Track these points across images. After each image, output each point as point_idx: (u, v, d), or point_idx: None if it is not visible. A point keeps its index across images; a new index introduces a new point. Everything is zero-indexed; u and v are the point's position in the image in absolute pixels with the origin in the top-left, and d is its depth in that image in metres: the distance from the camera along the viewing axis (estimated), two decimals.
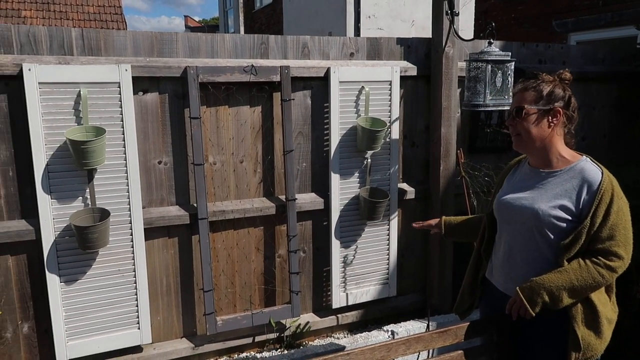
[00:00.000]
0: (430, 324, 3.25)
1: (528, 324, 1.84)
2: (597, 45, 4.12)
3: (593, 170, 1.78)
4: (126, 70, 2.51)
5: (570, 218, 1.75)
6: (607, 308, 1.81)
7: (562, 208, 1.76)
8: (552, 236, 1.78)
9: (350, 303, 3.27)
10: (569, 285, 1.73)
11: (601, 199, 1.71)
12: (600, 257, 1.73)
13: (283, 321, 3.12)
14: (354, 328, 3.42)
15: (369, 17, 11.57)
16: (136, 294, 2.72)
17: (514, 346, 1.99)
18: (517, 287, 1.81)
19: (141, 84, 2.63)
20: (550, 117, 1.81)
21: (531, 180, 1.89)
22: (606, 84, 3.90)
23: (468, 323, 2.13)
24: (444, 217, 2.33)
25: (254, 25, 16.63)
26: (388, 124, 3.13)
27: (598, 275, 1.72)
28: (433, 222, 2.34)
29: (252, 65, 2.78)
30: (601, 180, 1.73)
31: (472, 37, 3.10)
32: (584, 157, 1.85)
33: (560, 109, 1.81)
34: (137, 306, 2.73)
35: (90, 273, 2.62)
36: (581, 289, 1.73)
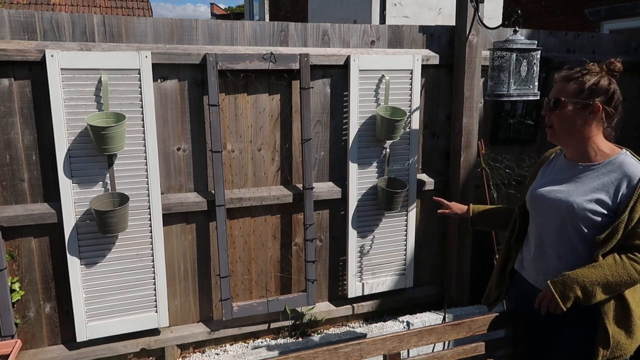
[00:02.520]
0: (446, 316, 3.22)
1: (557, 316, 1.80)
2: (630, 34, 3.95)
3: (633, 164, 1.71)
4: (146, 57, 2.53)
5: (606, 212, 1.70)
6: None
7: (599, 202, 1.70)
8: (586, 230, 1.73)
9: (366, 293, 3.27)
10: (604, 280, 1.68)
11: None
12: (637, 253, 1.68)
13: (298, 309, 3.13)
14: (369, 318, 3.41)
15: (395, 4, 11.37)
16: (154, 278, 2.76)
17: (540, 338, 1.94)
18: (549, 281, 1.76)
19: (161, 70, 2.65)
20: (588, 112, 1.74)
21: (567, 172, 1.83)
22: (639, 74, 3.76)
23: (483, 316, 2.11)
24: (471, 205, 2.31)
25: (279, 13, 16.58)
26: (408, 113, 3.08)
27: (634, 272, 1.67)
28: (457, 209, 2.33)
29: (272, 53, 2.76)
30: None
31: (499, 25, 3.01)
32: (624, 150, 1.78)
33: (600, 105, 1.73)
34: (154, 290, 2.77)
35: (109, 257, 2.67)
36: (615, 285, 1.69)
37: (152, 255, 2.74)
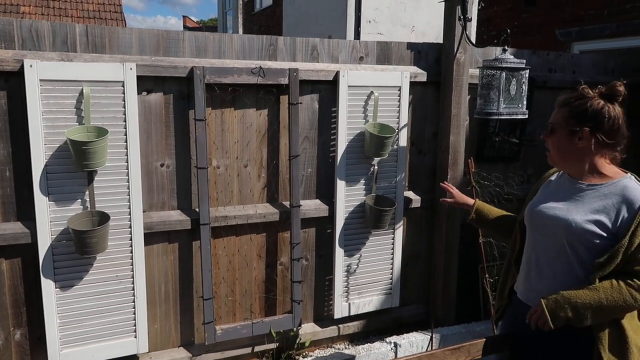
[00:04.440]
0: (434, 335, 3.17)
1: (552, 337, 1.77)
2: (608, 55, 4.07)
3: (636, 188, 1.68)
4: (131, 69, 2.42)
5: (605, 235, 1.67)
6: (638, 336, 1.72)
7: (598, 224, 1.67)
8: (584, 251, 1.70)
9: (352, 313, 3.19)
10: (597, 304, 1.65)
11: None
12: (635, 280, 1.64)
13: (283, 331, 3.03)
14: (355, 339, 3.33)
15: (369, 21, 11.53)
16: (134, 301, 2.62)
17: (533, 358, 1.89)
18: (542, 298, 1.73)
19: (145, 83, 2.54)
20: (577, 139, 1.73)
21: (568, 190, 1.80)
22: None
23: (481, 340, 2.06)
24: (477, 201, 2.25)
25: (253, 27, 16.56)
26: (396, 130, 3.06)
27: (630, 298, 1.64)
28: (461, 199, 2.29)
29: (261, 67, 2.69)
30: None
31: (487, 44, 3.03)
32: (629, 174, 1.76)
33: (587, 130, 1.70)
34: (134, 314, 2.63)
35: (86, 279, 2.52)
36: (609, 310, 1.66)
37: (133, 277, 2.60)
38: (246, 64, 2.73)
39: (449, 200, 2.33)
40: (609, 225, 1.67)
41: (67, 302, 2.49)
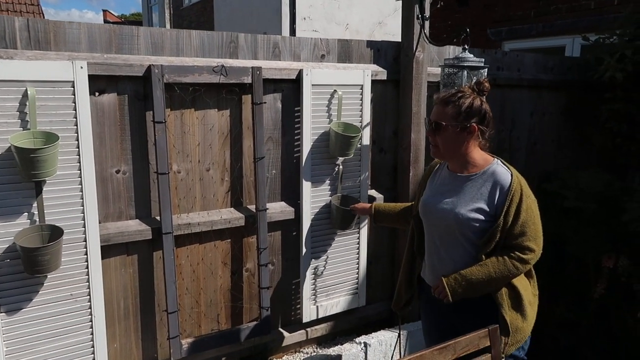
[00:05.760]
0: (401, 332, 3.18)
1: (458, 308, 2.03)
2: (547, 54, 4.29)
3: (503, 173, 1.95)
4: (82, 67, 2.20)
5: (485, 219, 1.93)
6: (528, 292, 2.01)
7: (479, 211, 1.93)
8: (472, 235, 1.95)
9: (320, 316, 3.13)
10: (488, 277, 1.92)
11: (512, 199, 1.89)
12: (515, 252, 1.92)
13: (252, 339, 2.91)
14: (322, 341, 3.28)
15: (304, 18, 11.49)
16: (91, 321, 2.40)
17: (442, 330, 2.14)
18: (443, 277, 1.99)
19: (97, 83, 2.33)
20: (466, 133, 1.95)
21: (450, 184, 2.04)
22: (555, 91, 4.07)
23: (466, 336, 2.08)
24: (374, 204, 2.63)
25: (182, 23, 15.96)
26: (361, 129, 3.03)
27: (513, 268, 1.92)
28: (362, 210, 2.71)
29: (222, 66, 2.56)
30: (511, 182, 1.91)
31: (446, 43, 3.07)
32: (495, 160, 2.02)
33: (475, 125, 1.94)
34: (92, 334, 2.41)
35: (37, 300, 2.27)
36: (498, 280, 1.93)
37: (89, 295, 2.37)
38: (207, 62, 2.58)
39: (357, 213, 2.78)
40: (487, 209, 1.93)
41: (14, 327, 2.23)
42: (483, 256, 1.94)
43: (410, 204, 2.49)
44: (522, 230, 1.90)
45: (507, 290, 1.97)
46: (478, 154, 2.00)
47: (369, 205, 2.66)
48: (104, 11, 27.03)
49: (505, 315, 1.94)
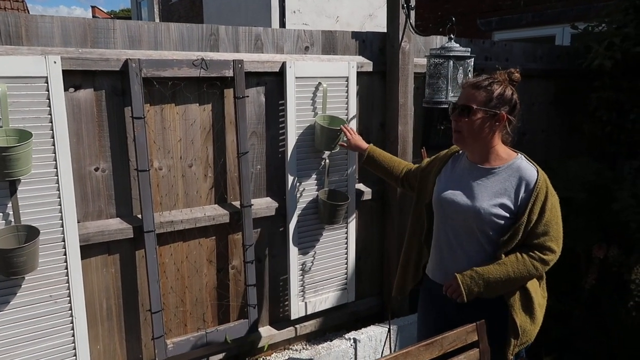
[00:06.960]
0: (391, 327, 3.15)
1: (463, 307, 1.92)
2: (536, 43, 4.24)
3: (529, 169, 1.85)
4: (55, 62, 2.13)
5: (508, 215, 1.83)
6: (538, 294, 1.93)
7: (502, 206, 1.83)
8: (491, 232, 1.85)
9: (309, 312, 3.09)
10: (506, 276, 1.82)
11: (537, 197, 1.80)
12: (536, 251, 1.83)
13: (239, 337, 2.87)
14: (312, 338, 3.24)
15: (294, 12, 11.40)
16: (72, 322, 2.34)
17: (441, 329, 2.01)
18: (457, 274, 1.87)
19: (73, 78, 2.26)
20: (495, 121, 1.84)
21: (470, 176, 1.92)
22: (544, 80, 4.03)
23: (453, 331, 2.04)
24: (371, 146, 2.52)
25: (171, 18, 15.81)
26: (347, 122, 2.97)
27: (533, 268, 1.82)
28: (356, 144, 2.60)
29: (203, 59, 2.49)
30: (537, 179, 1.81)
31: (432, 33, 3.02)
32: (519, 155, 1.92)
33: (504, 114, 1.84)
34: (73, 336, 2.35)
35: (14, 302, 2.21)
36: (516, 280, 1.83)
37: (70, 296, 2.32)
38: (186, 55, 2.51)
39: (344, 145, 2.64)
40: (511, 206, 1.83)
41: None
42: (502, 255, 1.84)
43: (404, 163, 2.42)
44: (545, 230, 1.81)
45: (519, 292, 1.88)
46: (501, 147, 1.90)
47: (366, 146, 2.53)
48: (93, 7, 26.74)
49: (515, 318, 1.86)
